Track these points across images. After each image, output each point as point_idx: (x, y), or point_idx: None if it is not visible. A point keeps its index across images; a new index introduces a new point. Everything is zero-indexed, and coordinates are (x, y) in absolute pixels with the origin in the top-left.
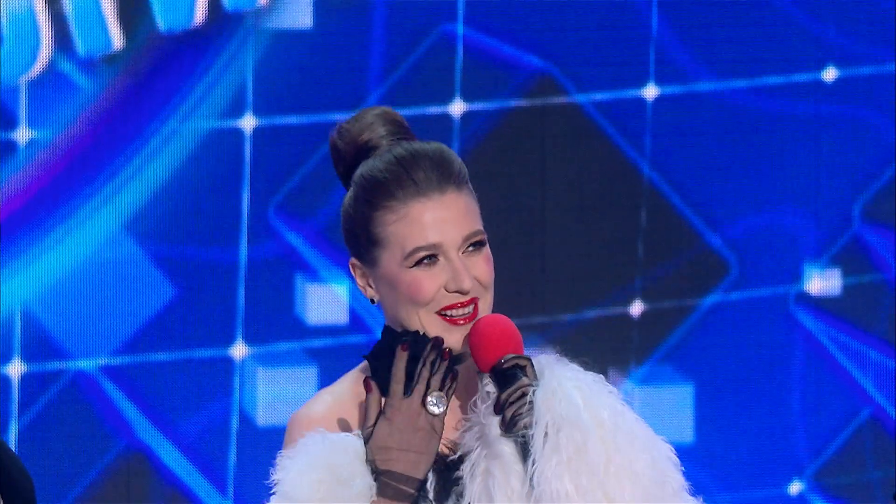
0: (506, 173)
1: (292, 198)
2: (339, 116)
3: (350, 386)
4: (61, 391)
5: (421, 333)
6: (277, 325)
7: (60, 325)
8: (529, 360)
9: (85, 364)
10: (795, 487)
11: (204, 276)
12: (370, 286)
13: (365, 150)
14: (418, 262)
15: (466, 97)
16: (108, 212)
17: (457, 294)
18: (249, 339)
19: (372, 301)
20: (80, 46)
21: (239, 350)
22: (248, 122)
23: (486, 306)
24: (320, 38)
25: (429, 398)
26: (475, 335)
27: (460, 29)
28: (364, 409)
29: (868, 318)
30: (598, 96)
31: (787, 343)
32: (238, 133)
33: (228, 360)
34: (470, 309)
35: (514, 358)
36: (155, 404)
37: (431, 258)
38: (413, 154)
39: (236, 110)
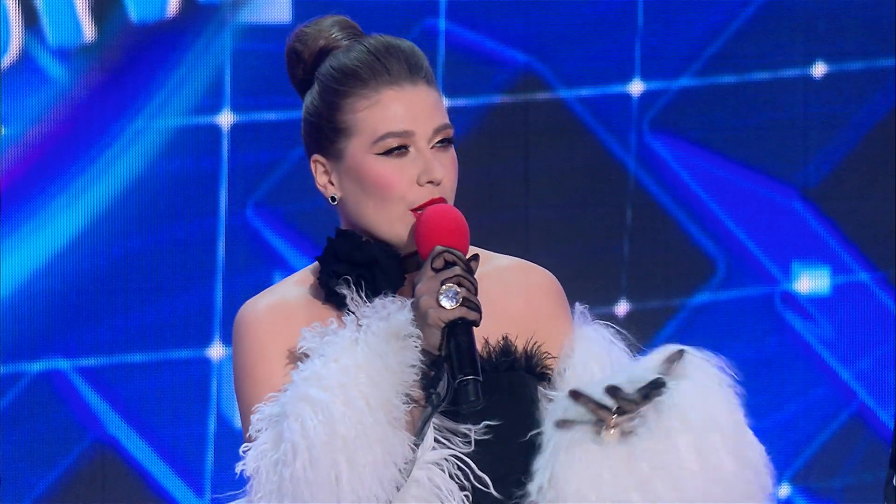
0: (489, 170)
1: (270, 196)
2: None
3: (298, 286)
4: (35, 392)
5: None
6: None
7: (33, 323)
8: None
9: (60, 364)
10: (784, 490)
11: (181, 275)
12: (332, 183)
13: (325, 52)
14: (388, 152)
15: (449, 93)
16: (82, 208)
17: (430, 187)
18: (227, 340)
19: (332, 200)
20: (51, 38)
21: (216, 351)
22: (225, 119)
23: None
24: None
25: (444, 288)
26: (424, 226)
27: (442, 24)
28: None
29: (854, 318)
30: (583, 92)
31: (774, 343)
32: (215, 129)
33: (206, 361)
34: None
35: (444, 252)
36: (132, 406)
37: (402, 148)
38: (386, 45)
39: (214, 106)
